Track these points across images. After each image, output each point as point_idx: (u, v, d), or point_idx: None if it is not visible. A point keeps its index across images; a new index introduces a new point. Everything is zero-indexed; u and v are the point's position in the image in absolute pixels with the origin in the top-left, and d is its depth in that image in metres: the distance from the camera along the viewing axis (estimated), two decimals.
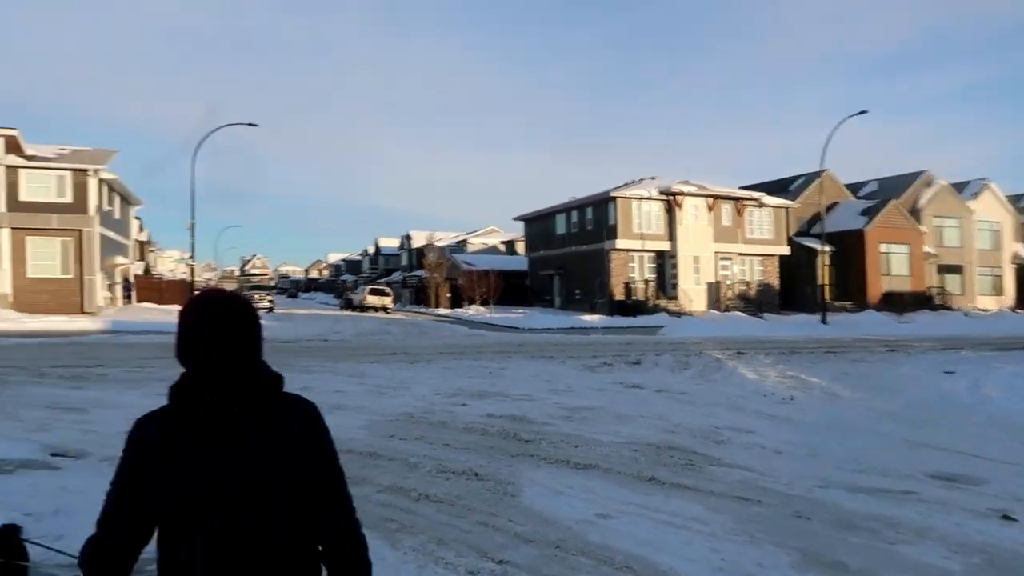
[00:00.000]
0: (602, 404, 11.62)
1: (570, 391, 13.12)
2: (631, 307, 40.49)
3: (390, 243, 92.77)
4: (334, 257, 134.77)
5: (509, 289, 49.01)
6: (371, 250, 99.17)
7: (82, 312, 31.45)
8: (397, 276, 75.95)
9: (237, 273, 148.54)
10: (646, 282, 42.47)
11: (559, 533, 5.43)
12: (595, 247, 43.89)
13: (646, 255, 43.11)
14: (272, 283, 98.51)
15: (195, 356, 1.77)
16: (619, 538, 5.33)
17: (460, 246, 67.99)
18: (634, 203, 42.65)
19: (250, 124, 38.40)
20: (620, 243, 42.19)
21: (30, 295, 31.24)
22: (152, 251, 74.91)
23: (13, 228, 31.17)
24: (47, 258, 32.10)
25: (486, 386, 13.55)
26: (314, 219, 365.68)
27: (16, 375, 14.25)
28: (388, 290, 52.60)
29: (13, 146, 31.23)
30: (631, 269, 42.96)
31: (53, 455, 7.78)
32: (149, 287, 44.32)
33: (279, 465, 1.75)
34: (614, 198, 42.46)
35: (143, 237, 61.13)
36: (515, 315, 40.53)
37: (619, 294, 42.04)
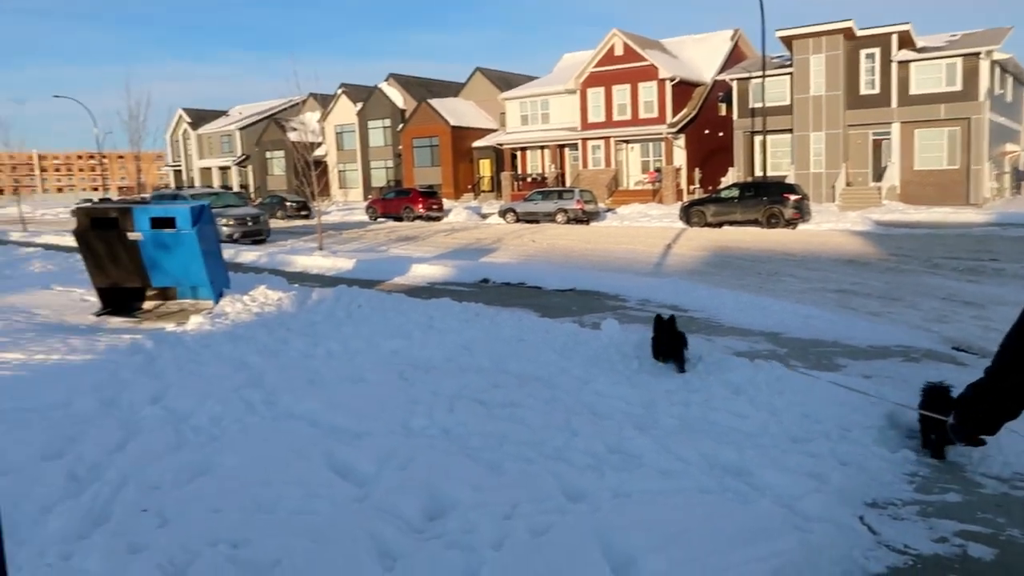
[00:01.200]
0: None
1: None
2: None
3: None
4: None
5: None
6: None
7: (967, 203, 30.58)
8: None
9: None
10: None
11: None
12: None
13: None
14: None
15: None
16: None
17: None
18: None
19: None
20: None
21: (916, 187, 32.07)
22: None
23: (902, 122, 32.21)
24: (933, 150, 32.18)
25: None
26: None
27: (909, 264, 14.78)
28: None
29: (905, 41, 31.93)
30: None
31: (954, 348, 7.65)
32: None
33: None
34: None
35: None
36: None
37: None
